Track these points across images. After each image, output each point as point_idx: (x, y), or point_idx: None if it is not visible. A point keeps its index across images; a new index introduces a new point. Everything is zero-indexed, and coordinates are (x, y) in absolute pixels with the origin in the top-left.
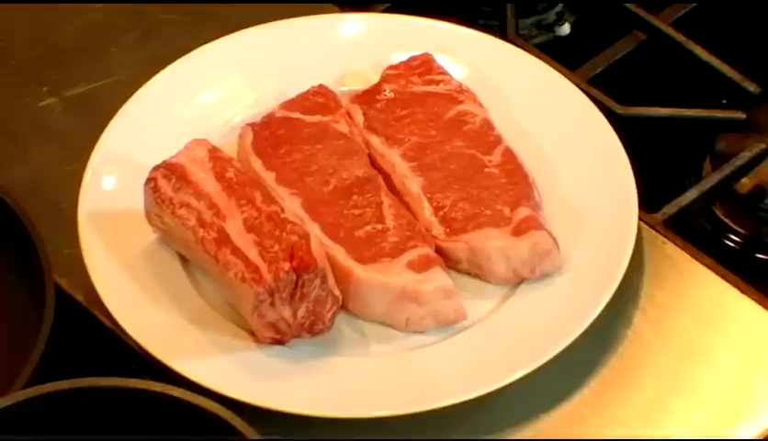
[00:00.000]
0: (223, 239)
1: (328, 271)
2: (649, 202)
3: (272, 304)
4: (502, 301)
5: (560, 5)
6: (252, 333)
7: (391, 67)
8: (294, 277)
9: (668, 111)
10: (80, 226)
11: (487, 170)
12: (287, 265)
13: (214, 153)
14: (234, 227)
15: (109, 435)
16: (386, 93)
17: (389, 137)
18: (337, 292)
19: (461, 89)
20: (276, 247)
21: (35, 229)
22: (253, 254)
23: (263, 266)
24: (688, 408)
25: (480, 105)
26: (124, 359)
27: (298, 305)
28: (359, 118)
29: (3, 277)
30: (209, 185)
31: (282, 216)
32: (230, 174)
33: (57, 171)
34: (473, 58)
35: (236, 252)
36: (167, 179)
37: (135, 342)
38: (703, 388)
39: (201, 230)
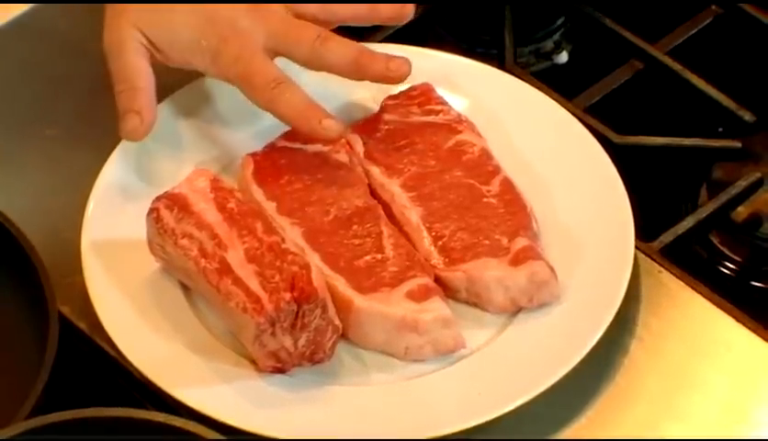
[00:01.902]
0: (225, 269)
1: (328, 301)
2: (645, 230)
3: (273, 334)
4: (501, 330)
5: (558, 33)
6: (253, 362)
7: (391, 97)
8: (295, 307)
9: (664, 140)
10: (83, 255)
11: (485, 200)
12: (287, 296)
13: (216, 184)
14: (236, 257)
15: None
16: (385, 122)
17: (389, 167)
18: (337, 322)
19: (460, 119)
20: (277, 277)
21: (38, 257)
22: (254, 285)
23: (264, 297)
24: (683, 435)
25: (479, 134)
26: (126, 387)
27: (298, 335)
28: (359, 148)
29: (6, 306)
30: (211, 215)
31: (283, 246)
32: (231, 204)
33: (60, 200)
34: (472, 88)
35: (237, 282)
36: (169, 210)
37: (138, 370)
38: (698, 416)
39: (203, 260)
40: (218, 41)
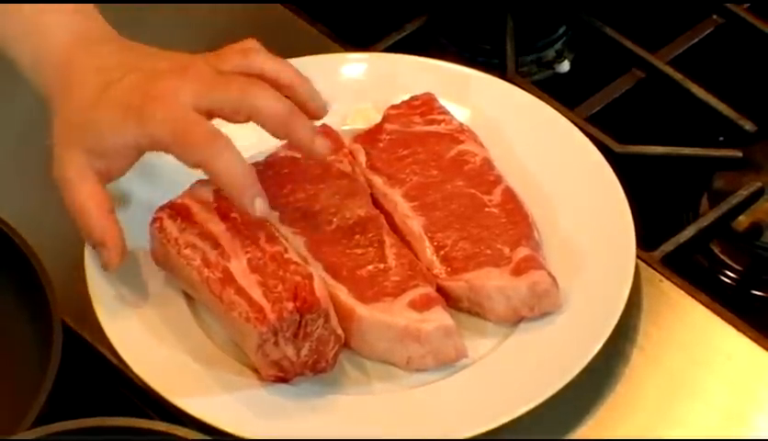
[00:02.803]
0: (227, 279)
1: (331, 311)
2: (646, 240)
3: (275, 343)
4: (503, 340)
5: (560, 42)
6: (256, 371)
7: (393, 107)
8: (297, 317)
9: (665, 149)
10: (86, 264)
11: (487, 209)
12: (290, 305)
13: (219, 193)
14: (238, 267)
15: None
16: (388, 132)
17: (391, 176)
18: (340, 331)
19: (462, 129)
20: (280, 287)
21: (41, 266)
22: (256, 294)
23: (266, 306)
24: None
25: (481, 144)
26: (129, 396)
27: (301, 344)
28: (362, 158)
29: (9, 315)
30: (214, 225)
31: (286, 256)
32: (234, 214)
33: (64, 209)
34: (474, 98)
35: (240, 292)
36: (172, 219)
37: (140, 379)
38: (698, 425)
39: (206, 270)
40: (143, 103)
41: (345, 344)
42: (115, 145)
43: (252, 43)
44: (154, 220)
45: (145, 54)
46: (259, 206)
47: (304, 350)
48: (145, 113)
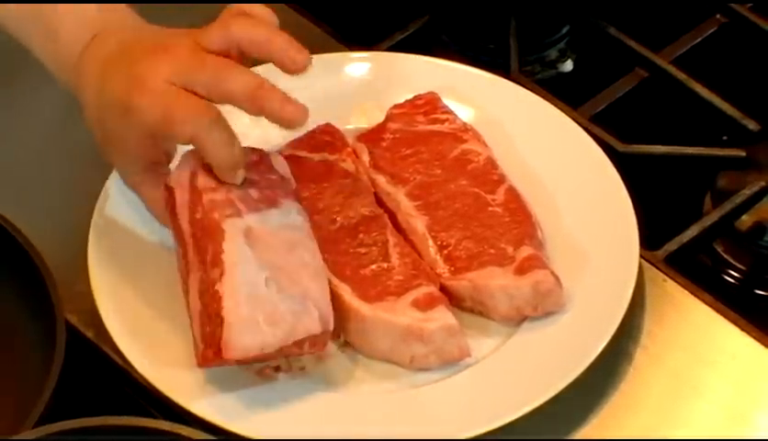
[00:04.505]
0: (186, 291)
1: None
2: (650, 239)
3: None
4: (506, 339)
5: (563, 42)
6: (259, 371)
7: (397, 106)
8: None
9: (669, 149)
10: (90, 263)
11: (491, 209)
12: (209, 353)
13: (193, 182)
14: (193, 286)
15: None
16: (391, 132)
17: (395, 175)
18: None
19: (465, 128)
20: (208, 328)
21: (46, 266)
22: (197, 330)
23: (199, 346)
24: None
25: (484, 144)
26: (133, 395)
27: None
28: (365, 157)
29: (13, 314)
30: (185, 223)
31: (215, 287)
32: (198, 214)
33: (68, 208)
34: (477, 97)
35: (192, 314)
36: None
37: (144, 378)
38: (702, 424)
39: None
40: (129, 96)
41: (348, 343)
42: (133, 146)
43: (233, 10)
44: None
45: (138, 38)
46: (240, 177)
47: None
48: (132, 105)
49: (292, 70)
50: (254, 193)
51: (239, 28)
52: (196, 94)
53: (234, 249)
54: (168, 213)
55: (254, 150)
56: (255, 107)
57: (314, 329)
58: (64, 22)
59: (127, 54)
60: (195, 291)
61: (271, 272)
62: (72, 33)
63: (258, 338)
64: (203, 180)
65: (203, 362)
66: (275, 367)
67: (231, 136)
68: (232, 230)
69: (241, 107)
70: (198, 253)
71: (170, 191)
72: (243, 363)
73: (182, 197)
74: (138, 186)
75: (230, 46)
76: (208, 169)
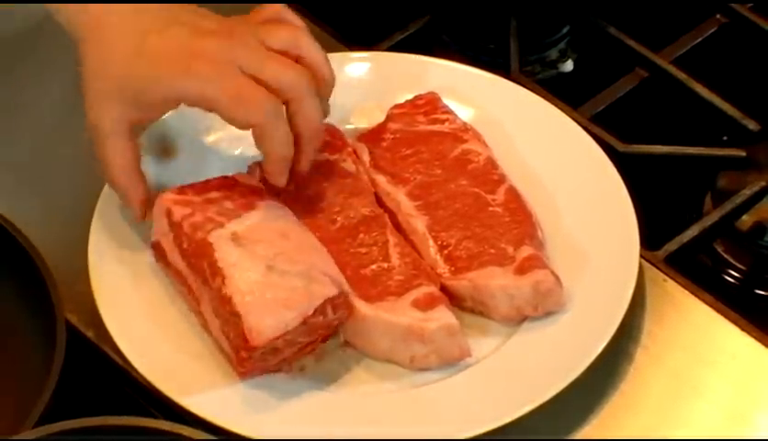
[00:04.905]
0: (205, 325)
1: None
2: (650, 239)
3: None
4: (506, 339)
5: (563, 42)
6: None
7: (397, 106)
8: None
9: (669, 149)
10: (90, 263)
11: (491, 209)
12: (242, 354)
13: (171, 218)
14: (207, 310)
15: None
16: (391, 132)
17: (395, 175)
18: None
19: (465, 128)
20: (232, 334)
21: (46, 266)
22: (225, 345)
23: (233, 357)
24: None
25: (485, 144)
26: (133, 395)
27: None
28: (365, 157)
29: (14, 314)
30: (179, 263)
31: (222, 292)
32: (184, 244)
33: (68, 208)
34: (477, 97)
35: (217, 338)
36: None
37: (144, 378)
38: (702, 424)
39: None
40: (190, 59)
41: (349, 343)
42: (155, 100)
43: (295, 20)
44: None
45: (187, 10)
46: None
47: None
48: (192, 69)
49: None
50: (229, 204)
51: (308, 46)
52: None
53: (227, 254)
54: (164, 267)
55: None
56: (308, 140)
57: (329, 292)
58: None
59: (185, 23)
60: (210, 314)
61: (270, 260)
62: None
63: (279, 317)
64: (178, 212)
65: (242, 368)
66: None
67: (291, 135)
68: (219, 240)
69: (298, 128)
70: (198, 275)
71: (157, 245)
72: (279, 357)
73: (167, 242)
74: (114, 143)
75: (290, 56)
76: (181, 201)
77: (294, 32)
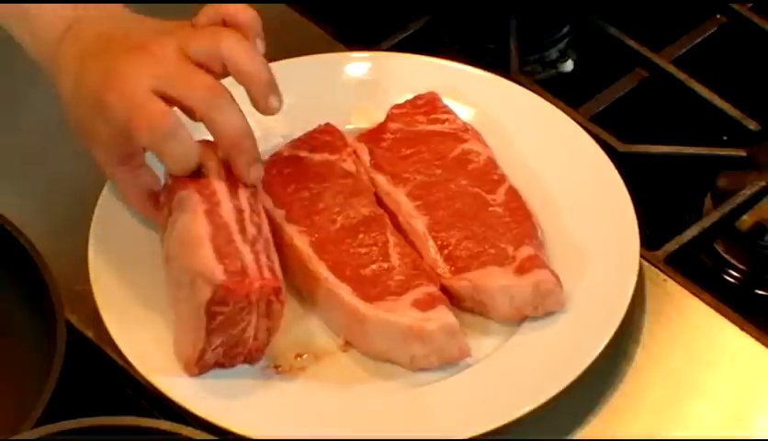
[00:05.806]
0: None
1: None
2: (650, 239)
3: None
4: (506, 339)
5: (563, 42)
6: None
7: (397, 106)
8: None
9: (669, 149)
10: (90, 264)
11: (491, 209)
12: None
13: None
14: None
15: None
16: (391, 131)
17: (395, 175)
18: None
19: (466, 128)
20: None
21: (46, 266)
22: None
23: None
24: None
25: (485, 143)
26: (134, 395)
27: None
28: (365, 157)
29: (14, 315)
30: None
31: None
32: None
33: (68, 209)
34: (477, 97)
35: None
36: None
37: (145, 378)
38: (702, 424)
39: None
40: (103, 94)
41: (349, 343)
42: (106, 140)
43: (218, 11)
44: None
45: (118, 31)
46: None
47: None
48: (105, 102)
49: (263, 111)
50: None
51: (229, 50)
52: (177, 105)
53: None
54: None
55: None
56: (230, 152)
57: (204, 296)
58: (42, 14)
59: (107, 48)
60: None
61: (178, 276)
62: (46, 26)
63: (188, 345)
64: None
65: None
66: (275, 367)
67: (188, 148)
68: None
69: (217, 141)
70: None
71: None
72: (239, 350)
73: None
74: (113, 176)
75: (215, 62)
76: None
77: (215, 37)
